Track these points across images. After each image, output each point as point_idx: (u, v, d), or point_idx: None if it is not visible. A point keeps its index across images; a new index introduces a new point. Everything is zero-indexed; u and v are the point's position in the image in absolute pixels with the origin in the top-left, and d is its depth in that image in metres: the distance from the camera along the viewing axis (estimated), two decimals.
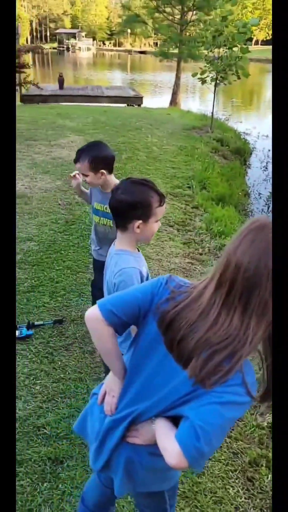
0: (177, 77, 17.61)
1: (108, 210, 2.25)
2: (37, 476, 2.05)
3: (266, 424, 2.52)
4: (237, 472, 2.21)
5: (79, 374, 2.71)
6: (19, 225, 4.68)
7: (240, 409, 1.09)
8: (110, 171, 2.50)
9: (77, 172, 2.69)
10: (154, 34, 22.06)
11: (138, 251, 1.81)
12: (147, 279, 1.72)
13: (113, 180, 2.52)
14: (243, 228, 1.09)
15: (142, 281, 1.67)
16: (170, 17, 16.85)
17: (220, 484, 2.13)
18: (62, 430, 2.31)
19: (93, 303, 1.83)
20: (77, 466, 2.12)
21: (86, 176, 2.49)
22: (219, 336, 1.06)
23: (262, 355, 1.10)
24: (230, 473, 2.19)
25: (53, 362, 2.79)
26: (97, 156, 2.44)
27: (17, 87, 15.11)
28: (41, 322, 3.12)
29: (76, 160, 2.52)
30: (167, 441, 1.11)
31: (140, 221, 1.63)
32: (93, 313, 1.22)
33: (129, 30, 29.32)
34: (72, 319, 3.23)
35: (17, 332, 2.94)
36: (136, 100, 17.77)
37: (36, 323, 3.09)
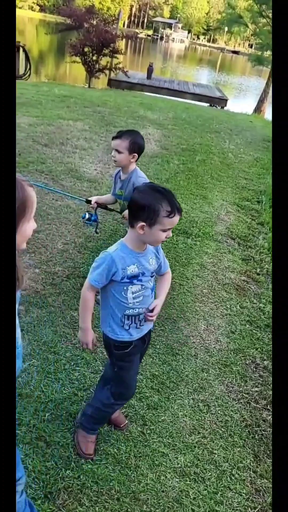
0: (268, 85, 17.18)
1: (123, 194, 3.03)
2: (62, 461, 2.11)
3: None
4: (256, 510, 2.15)
5: None
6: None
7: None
8: (138, 158, 2.94)
9: (94, 203, 3.23)
10: (252, 35, 21.61)
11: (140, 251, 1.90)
12: (130, 278, 1.89)
13: (134, 166, 2.97)
14: None
15: (109, 274, 1.88)
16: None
17: None
18: None
19: None
20: (100, 462, 2.16)
21: (120, 153, 2.86)
22: None
23: None
24: (249, 509, 2.14)
25: (94, 352, 2.84)
26: (137, 141, 2.87)
27: (107, 71, 15.40)
28: None
29: (116, 137, 2.87)
30: None
31: (144, 224, 1.75)
32: None
33: (226, 28, 28.87)
34: None
35: None
36: (220, 102, 17.55)
37: None
